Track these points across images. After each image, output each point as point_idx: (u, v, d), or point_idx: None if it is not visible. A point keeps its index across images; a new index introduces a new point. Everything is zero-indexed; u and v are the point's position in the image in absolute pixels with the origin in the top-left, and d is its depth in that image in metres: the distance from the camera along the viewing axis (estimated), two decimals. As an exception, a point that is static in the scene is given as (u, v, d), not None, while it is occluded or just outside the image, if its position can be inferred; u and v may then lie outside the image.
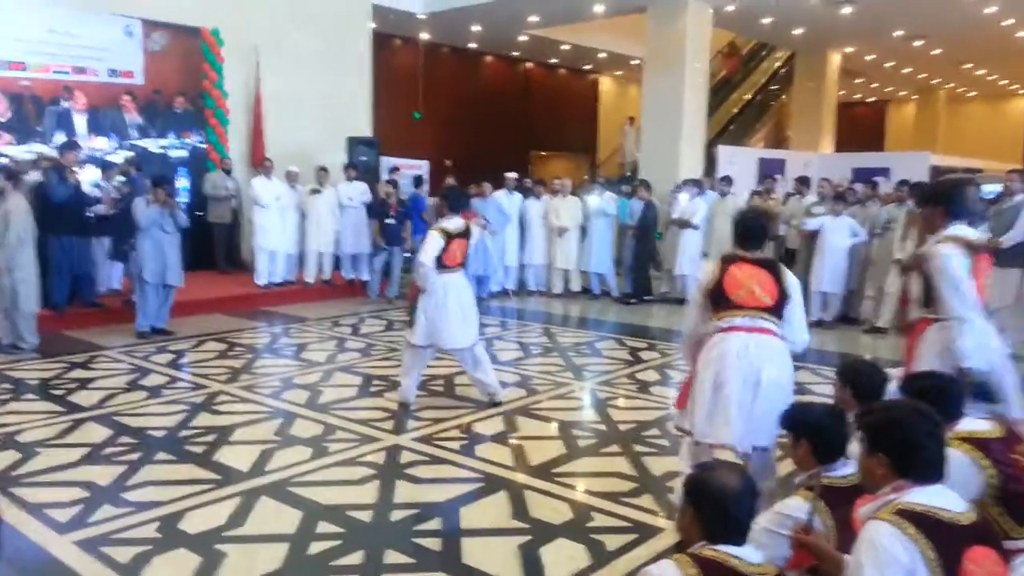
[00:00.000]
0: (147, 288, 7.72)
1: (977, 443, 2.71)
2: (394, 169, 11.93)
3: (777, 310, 3.54)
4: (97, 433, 5.05)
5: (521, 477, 4.41)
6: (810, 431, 2.85)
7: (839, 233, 8.67)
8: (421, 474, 4.44)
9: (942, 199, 3.63)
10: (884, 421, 2.25)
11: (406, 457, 4.69)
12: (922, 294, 3.67)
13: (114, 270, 9.19)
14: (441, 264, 5.49)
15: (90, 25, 10.33)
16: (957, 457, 2.65)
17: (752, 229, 3.68)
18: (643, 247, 10.40)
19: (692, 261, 10.11)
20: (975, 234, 3.61)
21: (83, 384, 6.19)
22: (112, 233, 8.58)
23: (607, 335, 8.54)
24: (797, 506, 2.70)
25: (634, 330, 8.75)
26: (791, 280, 3.63)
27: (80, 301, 8.34)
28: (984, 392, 3.39)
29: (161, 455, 4.69)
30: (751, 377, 3.45)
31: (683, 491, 2.26)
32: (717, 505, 2.13)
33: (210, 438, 4.97)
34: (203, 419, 5.37)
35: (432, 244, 5.46)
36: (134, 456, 4.64)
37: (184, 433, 5.08)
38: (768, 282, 3.55)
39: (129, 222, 7.71)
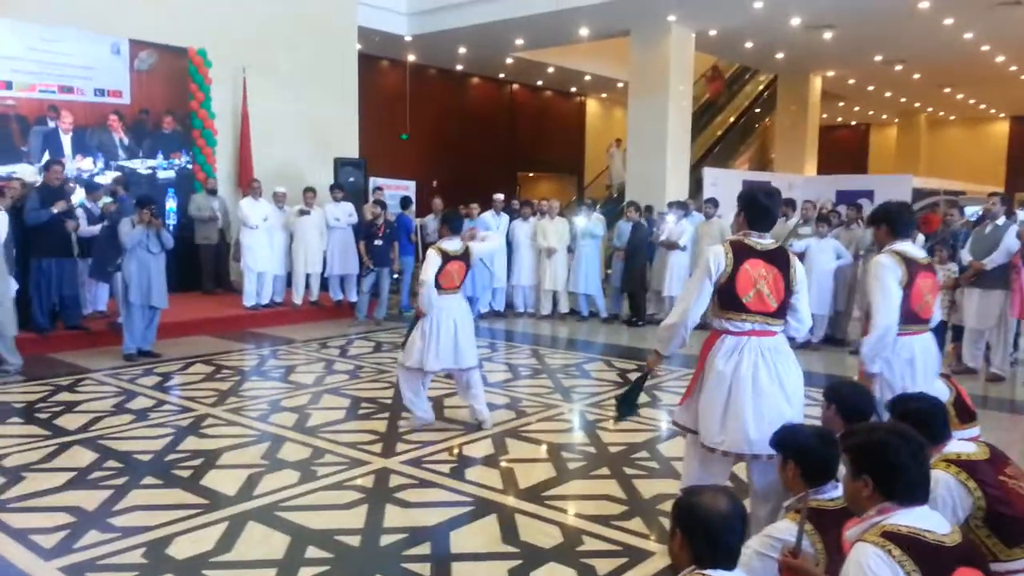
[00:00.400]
0: (133, 310, 7.68)
1: (964, 465, 2.74)
2: (377, 189, 11.91)
3: (781, 312, 3.49)
4: (83, 457, 5.00)
5: (511, 500, 4.40)
6: (798, 453, 2.86)
7: (825, 255, 8.76)
8: (410, 498, 4.43)
9: (886, 219, 3.94)
10: (867, 444, 2.27)
11: (395, 480, 4.68)
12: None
13: (100, 292, 9.14)
14: (437, 286, 5.50)
15: (76, 43, 10.32)
16: (945, 479, 2.69)
17: (765, 208, 3.52)
18: (633, 268, 10.41)
19: (680, 282, 10.16)
20: (917, 252, 3.92)
21: (69, 407, 6.14)
22: (95, 254, 8.53)
23: (596, 357, 8.56)
24: (786, 529, 2.71)
25: (623, 351, 8.78)
26: (799, 273, 3.54)
27: (65, 323, 8.27)
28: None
29: (148, 479, 4.64)
30: (775, 384, 3.39)
31: (672, 515, 2.26)
32: (706, 529, 2.13)
33: (197, 462, 4.93)
34: (190, 443, 5.33)
35: (430, 263, 5.49)
36: (120, 480, 4.60)
37: (171, 457, 5.04)
38: (777, 281, 3.46)
39: (115, 243, 7.69)
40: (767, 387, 3.38)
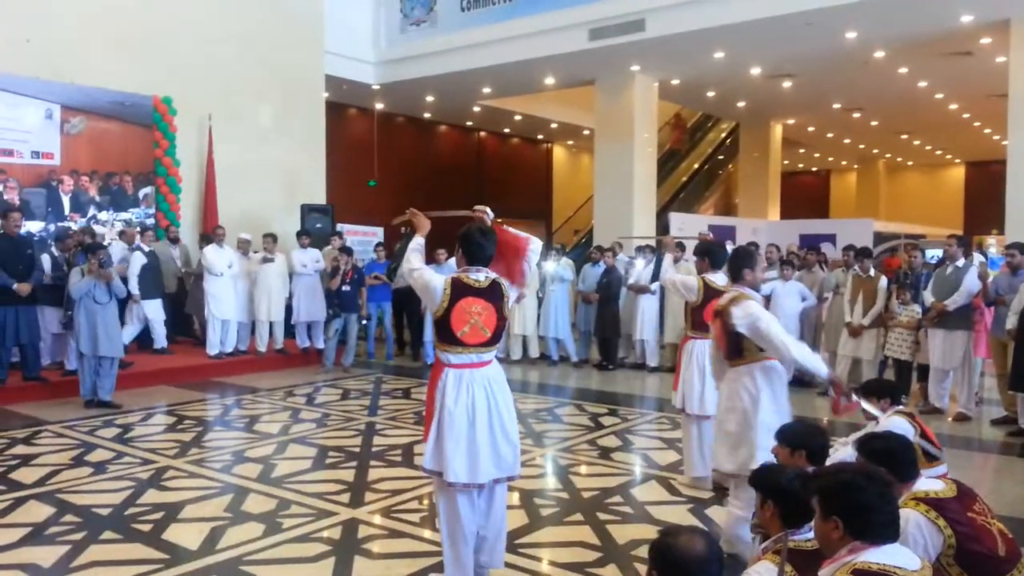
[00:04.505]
0: (83, 360, 7.59)
1: (933, 503, 2.74)
2: (338, 235, 11.71)
3: (494, 341, 3.83)
4: (40, 512, 4.84)
5: (482, 549, 4.31)
6: (778, 495, 2.82)
7: (790, 297, 8.84)
8: (379, 549, 4.33)
9: (707, 254, 5.28)
10: (835, 485, 2.28)
11: (363, 531, 4.57)
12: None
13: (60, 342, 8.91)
14: None
15: (19, 108, 9.98)
16: (915, 518, 2.69)
17: (479, 244, 3.79)
18: (606, 312, 10.43)
19: (651, 326, 10.22)
20: (721, 281, 5.03)
21: (25, 461, 5.95)
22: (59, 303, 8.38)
23: (567, 401, 8.51)
24: (767, 571, 2.68)
25: (594, 396, 8.75)
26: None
27: (24, 374, 8.07)
28: None
29: (107, 534, 4.49)
30: (496, 413, 3.71)
31: (649, 556, 2.23)
32: (682, 570, 2.10)
33: (158, 515, 4.79)
34: (151, 496, 5.18)
35: None
36: (78, 536, 4.45)
37: (131, 511, 4.88)
38: (490, 314, 3.74)
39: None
40: (492, 417, 3.63)
